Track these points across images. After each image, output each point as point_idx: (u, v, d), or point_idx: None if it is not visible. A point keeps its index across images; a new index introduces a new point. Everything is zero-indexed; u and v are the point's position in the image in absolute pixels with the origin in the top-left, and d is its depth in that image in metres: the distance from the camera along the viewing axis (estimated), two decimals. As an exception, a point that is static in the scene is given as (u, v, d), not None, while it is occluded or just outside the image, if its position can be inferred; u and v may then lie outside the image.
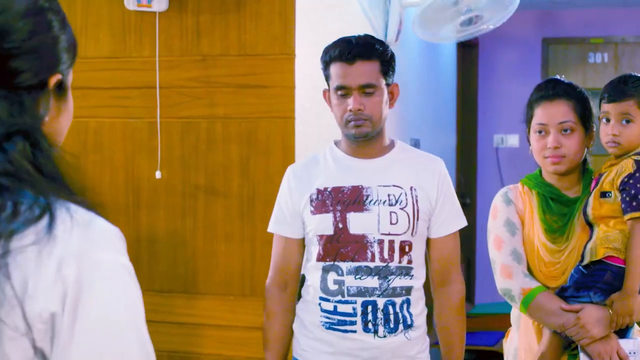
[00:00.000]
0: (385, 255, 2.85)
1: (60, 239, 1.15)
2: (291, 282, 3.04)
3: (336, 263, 2.87)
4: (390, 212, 2.86)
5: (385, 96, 2.90)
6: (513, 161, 8.12)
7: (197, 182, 3.90)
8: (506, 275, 2.92)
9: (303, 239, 3.00)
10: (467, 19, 4.81)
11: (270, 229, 3.05)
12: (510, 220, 2.98)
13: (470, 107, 8.35)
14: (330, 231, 2.88)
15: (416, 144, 5.93)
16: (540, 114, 2.93)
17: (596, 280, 2.78)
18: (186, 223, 3.91)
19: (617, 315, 2.73)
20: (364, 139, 2.89)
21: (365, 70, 2.85)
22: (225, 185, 3.86)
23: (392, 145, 3.00)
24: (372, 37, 2.94)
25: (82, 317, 1.12)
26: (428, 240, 2.97)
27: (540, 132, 2.93)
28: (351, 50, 2.85)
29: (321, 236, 2.90)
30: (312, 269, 2.95)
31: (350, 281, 2.85)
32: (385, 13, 4.97)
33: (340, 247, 2.87)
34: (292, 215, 2.97)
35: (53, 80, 1.29)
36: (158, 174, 3.88)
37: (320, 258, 2.90)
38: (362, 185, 2.89)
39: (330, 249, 2.88)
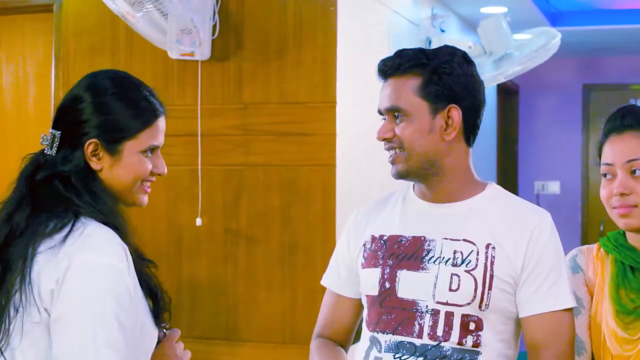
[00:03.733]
0: (438, 332, 2.11)
1: (67, 244, 1.83)
2: (341, 342, 2.38)
3: (375, 334, 2.19)
4: (452, 275, 2.12)
5: (428, 124, 2.16)
6: (555, 208, 8.04)
7: (238, 229, 3.91)
8: None
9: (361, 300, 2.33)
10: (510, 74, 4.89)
11: (322, 282, 2.43)
12: (575, 294, 2.20)
13: (510, 153, 8.32)
14: (374, 291, 2.20)
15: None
16: (607, 151, 2.20)
17: None
18: (227, 270, 3.92)
19: None
20: (403, 179, 2.23)
21: (394, 89, 2.18)
22: (266, 232, 3.87)
23: (480, 188, 2.27)
24: (431, 50, 2.24)
25: (63, 294, 1.81)
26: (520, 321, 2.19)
27: (606, 175, 2.21)
28: (387, 62, 2.22)
29: (367, 296, 2.24)
30: (362, 339, 2.27)
31: None
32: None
33: (383, 313, 2.17)
34: (349, 268, 2.33)
35: (86, 144, 1.94)
36: (199, 221, 3.89)
37: (367, 325, 2.24)
38: (424, 237, 2.18)
39: (374, 314, 2.20)
